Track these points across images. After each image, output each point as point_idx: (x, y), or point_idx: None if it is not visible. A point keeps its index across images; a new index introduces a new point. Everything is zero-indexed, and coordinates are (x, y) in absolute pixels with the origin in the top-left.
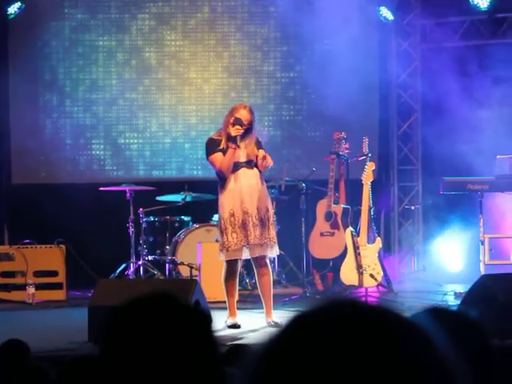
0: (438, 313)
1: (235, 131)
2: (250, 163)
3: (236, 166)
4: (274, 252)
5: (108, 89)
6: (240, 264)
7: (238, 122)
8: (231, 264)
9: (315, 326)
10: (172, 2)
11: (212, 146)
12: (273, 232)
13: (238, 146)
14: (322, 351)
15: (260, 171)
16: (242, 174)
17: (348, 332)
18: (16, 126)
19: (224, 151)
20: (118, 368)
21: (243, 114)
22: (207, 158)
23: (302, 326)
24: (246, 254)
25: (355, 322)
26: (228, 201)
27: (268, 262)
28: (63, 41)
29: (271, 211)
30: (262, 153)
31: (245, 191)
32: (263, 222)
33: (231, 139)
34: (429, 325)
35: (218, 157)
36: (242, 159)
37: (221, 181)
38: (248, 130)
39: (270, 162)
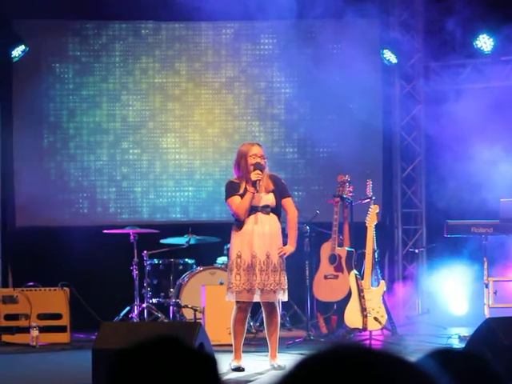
0: (448, 356)
1: (256, 176)
2: (266, 208)
3: (252, 210)
4: (283, 297)
5: (112, 131)
6: (249, 307)
7: (258, 166)
8: (240, 308)
9: (320, 370)
10: (176, 44)
11: (231, 189)
12: (284, 278)
13: (258, 191)
14: None
15: (277, 216)
16: (256, 219)
17: (353, 377)
18: (20, 169)
19: (242, 195)
20: None
21: (256, 150)
22: (225, 200)
23: (307, 371)
24: (256, 297)
25: (360, 368)
26: (237, 243)
27: (277, 306)
28: (67, 83)
29: (284, 257)
30: (290, 244)
31: (256, 235)
32: (275, 268)
33: (252, 183)
34: (435, 369)
35: (235, 200)
36: (259, 203)
37: (236, 221)
38: (261, 168)
39: (285, 251)
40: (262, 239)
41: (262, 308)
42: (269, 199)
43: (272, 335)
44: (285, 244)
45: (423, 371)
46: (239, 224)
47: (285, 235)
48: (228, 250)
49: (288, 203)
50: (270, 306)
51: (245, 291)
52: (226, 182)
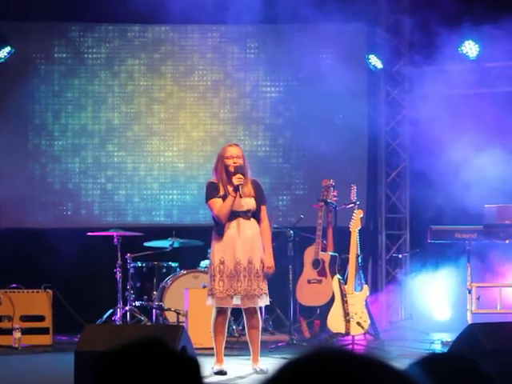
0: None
1: (237, 180)
2: (248, 213)
3: (234, 215)
4: (263, 302)
5: (97, 134)
6: (229, 312)
7: (239, 169)
8: (220, 311)
9: (303, 374)
10: (162, 48)
11: (211, 190)
12: (265, 283)
13: (241, 196)
14: None
15: (257, 221)
16: (238, 224)
17: (335, 381)
18: (4, 170)
19: (223, 197)
20: None
21: (231, 151)
22: (206, 202)
23: (289, 375)
24: (236, 302)
25: (342, 372)
26: (220, 248)
27: (258, 311)
28: (52, 85)
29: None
30: (268, 263)
31: (239, 242)
32: (258, 273)
33: (234, 188)
34: (419, 375)
35: (217, 202)
36: (241, 208)
37: (216, 226)
38: (243, 172)
39: (269, 270)
40: (244, 245)
41: (244, 313)
42: (250, 204)
43: (254, 339)
44: None
45: (406, 376)
46: (220, 229)
47: None
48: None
49: (262, 211)
50: (252, 312)
51: (228, 297)
52: (206, 183)
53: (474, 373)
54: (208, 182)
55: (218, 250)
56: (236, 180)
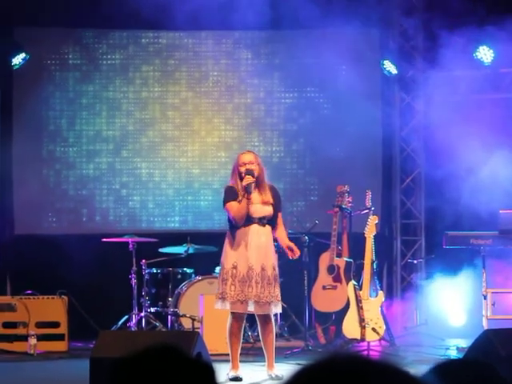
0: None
1: (246, 180)
2: (263, 220)
3: (249, 221)
4: (277, 309)
5: (111, 140)
6: (244, 318)
7: (249, 172)
8: (235, 318)
9: (318, 380)
10: (176, 54)
11: (230, 194)
12: (278, 290)
13: (250, 193)
14: None
15: (272, 228)
16: (252, 230)
17: None
18: (19, 177)
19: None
20: None
21: (244, 158)
22: (223, 205)
23: (305, 380)
24: (250, 308)
25: (358, 378)
26: (233, 253)
27: (272, 317)
28: (67, 92)
29: (277, 270)
30: (289, 243)
31: (252, 248)
32: (269, 281)
33: (244, 189)
34: (435, 381)
35: (233, 205)
36: (256, 215)
37: (231, 229)
38: (259, 179)
39: (297, 253)
40: (258, 251)
41: (257, 320)
42: (267, 211)
43: (268, 346)
44: (278, 253)
45: (421, 382)
46: (235, 233)
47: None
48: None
49: (279, 218)
50: (266, 318)
51: (238, 302)
52: (224, 187)
53: (490, 378)
54: (226, 186)
55: (230, 254)
56: (245, 180)
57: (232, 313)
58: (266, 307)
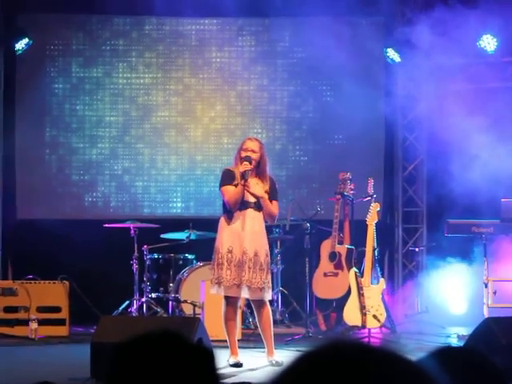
0: (449, 353)
1: (243, 167)
2: (258, 204)
3: (245, 205)
4: (268, 296)
5: (114, 126)
6: (238, 302)
7: (246, 158)
8: (229, 302)
9: (319, 365)
10: (180, 40)
11: (226, 177)
12: (269, 277)
13: (246, 180)
14: None
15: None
16: (248, 215)
17: (351, 373)
18: (22, 162)
19: (237, 186)
20: None
21: (248, 144)
22: (219, 187)
23: (305, 366)
24: (244, 293)
25: (358, 364)
26: (229, 237)
27: (267, 303)
28: (70, 77)
29: (269, 256)
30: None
31: (247, 233)
32: (262, 266)
33: (241, 175)
34: (434, 367)
35: (229, 189)
36: (252, 199)
37: (226, 213)
38: (260, 168)
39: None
40: (252, 237)
41: (253, 306)
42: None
43: (266, 332)
44: (270, 243)
45: (421, 369)
46: (230, 217)
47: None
48: (215, 241)
49: (274, 204)
50: (260, 304)
51: (234, 286)
52: (223, 170)
53: (482, 366)
54: (225, 168)
55: (226, 238)
56: (242, 167)
57: (226, 298)
58: (257, 293)
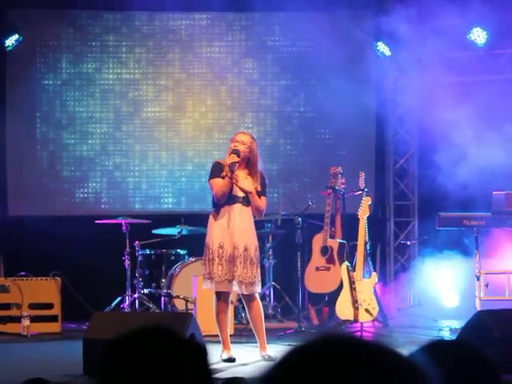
0: (441, 346)
1: (230, 159)
2: (247, 199)
3: (233, 199)
4: (258, 289)
5: (105, 121)
6: (230, 297)
7: (234, 151)
8: (220, 297)
9: (310, 359)
10: (170, 35)
11: (215, 170)
12: (259, 271)
13: (233, 171)
14: None
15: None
16: (237, 210)
17: (342, 367)
18: (12, 158)
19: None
20: None
21: (238, 137)
22: (208, 180)
23: (297, 360)
24: (235, 287)
25: (350, 357)
26: (219, 233)
27: (257, 297)
28: (60, 73)
29: (258, 251)
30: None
31: (237, 228)
32: (252, 261)
33: (229, 167)
34: (425, 361)
35: (217, 182)
36: (240, 193)
37: (215, 207)
38: (250, 162)
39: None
40: (242, 232)
41: (243, 301)
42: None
43: (258, 326)
44: (258, 239)
45: (412, 362)
46: (219, 212)
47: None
48: (206, 237)
49: (262, 199)
50: (250, 298)
51: (226, 281)
52: (213, 162)
53: (474, 359)
54: (214, 161)
55: (216, 234)
56: (229, 159)
57: (217, 293)
58: (249, 287)
